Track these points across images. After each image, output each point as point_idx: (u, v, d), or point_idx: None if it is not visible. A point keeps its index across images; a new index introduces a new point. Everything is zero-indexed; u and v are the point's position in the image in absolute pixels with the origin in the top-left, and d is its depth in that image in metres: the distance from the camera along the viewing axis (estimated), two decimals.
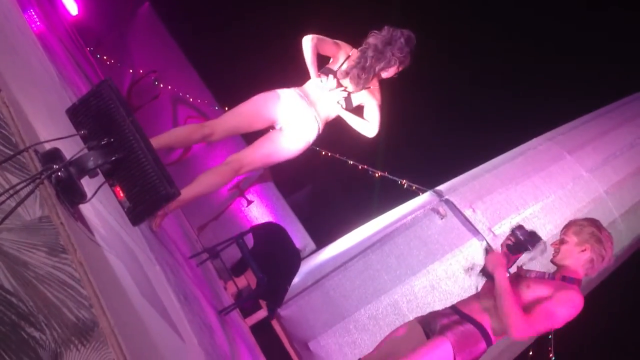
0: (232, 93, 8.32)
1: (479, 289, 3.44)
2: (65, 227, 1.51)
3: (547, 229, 6.50)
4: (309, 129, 3.79)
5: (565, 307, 3.04)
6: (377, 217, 7.04)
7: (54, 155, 1.62)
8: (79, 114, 1.73)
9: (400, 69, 3.90)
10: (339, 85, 3.85)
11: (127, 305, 1.64)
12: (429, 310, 6.37)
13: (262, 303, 6.44)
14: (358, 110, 3.94)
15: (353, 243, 6.86)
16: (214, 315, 4.17)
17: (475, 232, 6.53)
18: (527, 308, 3.06)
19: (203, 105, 7.71)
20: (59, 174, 1.56)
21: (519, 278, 3.34)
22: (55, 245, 1.50)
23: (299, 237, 7.43)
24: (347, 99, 3.88)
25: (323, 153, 7.71)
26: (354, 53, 3.87)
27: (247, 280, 6.56)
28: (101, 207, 2.02)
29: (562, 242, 3.34)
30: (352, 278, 6.51)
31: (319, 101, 3.85)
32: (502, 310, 3.03)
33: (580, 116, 7.49)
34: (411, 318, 6.44)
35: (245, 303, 6.16)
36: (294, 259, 6.60)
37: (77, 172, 1.61)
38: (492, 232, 6.50)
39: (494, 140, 7.74)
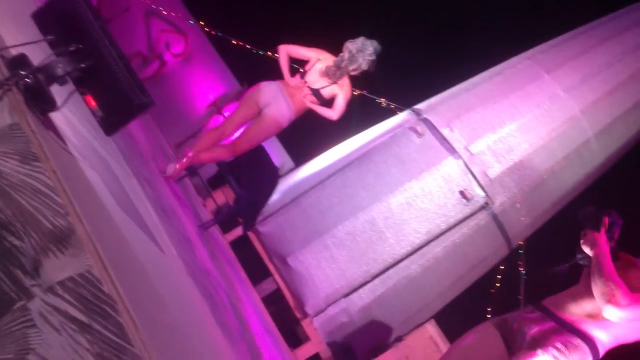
0: (205, 4, 8.06)
1: (577, 285, 2.81)
2: (37, 134, 1.49)
3: (523, 147, 6.59)
4: (283, 116, 4.91)
5: None
6: (355, 135, 7.04)
7: (21, 62, 1.57)
8: (45, 19, 1.67)
9: (367, 70, 4.96)
10: (309, 84, 4.88)
11: (103, 213, 1.65)
12: (405, 227, 6.62)
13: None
14: (330, 100, 4.96)
15: (331, 161, 6.89)
16: (194, 230, 4.23)
17: (452, 150, 6.58)
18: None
19: (177, 19, 7.47)
20: (27, 80, 1.52)
21: (628, 264, 2.78)
22: (27, 153, 1.49)
23: (278, 155, 7.44)
24: (318, 93, 4.89)
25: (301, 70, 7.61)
26: (326, 56, 4.89)
27: (225, 197, 6.61)
28: (73, 117, 1.99)
29: None
30: (330, 195, 6.58)
31: (293, 95, 4.89)
32: (596, 277, 2.57)
33: (561, 34, 7.41)
34: (388, 235, 6.71)
35: (225, 219, 6.23)
36: (272, 176, 6.65)
37: (46, 79, 1.56)
38: (469, 151, 6.56)
39: (475, 59, 7.67)
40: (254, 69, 7.94)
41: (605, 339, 2.65)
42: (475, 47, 8.36)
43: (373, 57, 4.86)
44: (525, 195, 6.53)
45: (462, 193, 6.40)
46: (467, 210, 6.36)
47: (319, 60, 4.90)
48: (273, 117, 4.90)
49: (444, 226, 6.33)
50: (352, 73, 4.90)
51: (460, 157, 6.52)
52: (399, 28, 8.27)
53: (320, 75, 4.88)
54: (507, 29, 8.80)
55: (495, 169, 6.51)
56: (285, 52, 4.87)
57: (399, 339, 5.85)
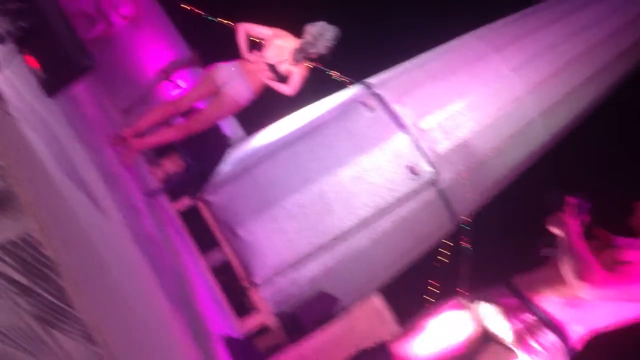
0: None
1: (549, 269, 2.73)
2: None
3: (470, 125, 6.74)
4: (241, 96, 4.96)
5: None
6: (307, 107, 7.03)
7: None
8: None
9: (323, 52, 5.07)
10: (266, 60, 4.95)
11: (44, 176, 1.62)
12: (354, 200, 6.70)
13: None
14: (286, 77, 5.04)
15: (283, 132, 6.88)
16: (141, 197, 4.17)
17: (402, 126, 6.67)
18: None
19: None
20: None
21: (605, 243, 2.71)
22: None
23: (228, 124, 7.36)
24: (275, 69, 4.98)
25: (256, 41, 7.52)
26: (283, 34, 4.99)
27: (174, 165, 6.52)
28: (14, 77, 1.93)
29: None
30: (281, 167, 6.59)
31: (251, 74, 4.95)
32: (567, 255, 2.53)
33: (512, 14, 7.54)
34: (337, 208, 6.76)
35: (174, 187, 6.16)
36: (223, 145, 6.59)
37: None
38: (419, 127, 6.67)
39: (428, 35, 7.74)
40: (205, 35, 7.82)
41: (581, 330, 2.63)
42: (429, 23, 8.43)
43: (332, 43, 5.01)
44: (472, 172, 6.70)
45: (410, 168, 6.52)
46: (415, 185, 6.49)
47: (276, 37, 5.00)
48: (232, 96, 4.97)
49: (392, 200, 6.44)
50: (311, 57, 5.05)
51: (409, 132, 6.63)
52: (354, 2, 8.26)
53: (277, 51, 4.98)
54: (460, 6, 8.91)
55: (443, 146, 6.64)
56: (244, 29, 4.97)
57: (346, 309, 5.95)
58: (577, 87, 6.87)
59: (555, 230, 2.69)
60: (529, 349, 2.62)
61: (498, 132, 6.77)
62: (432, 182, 6.53)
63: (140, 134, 4.84)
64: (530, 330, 2.60)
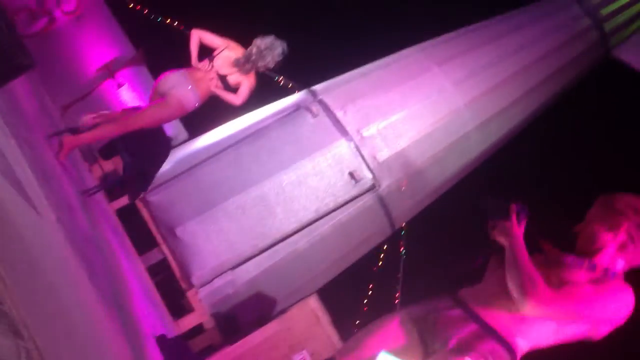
0: None
1: (492, 280, 2.67)
2: None
3: (410, 135, 6.94)
4: (188, 101, 4.95)
5: (613, 300, 2.45)
6: (251, 111, 7.08)
7: None
8: None
9: (271, 66, 5.20)
10: (216, 69, 4.96)
11: None
12: (295, 204, 6.78)
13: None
14: (234, 87, 5.08)
15: (226, 134, 6.91)
16: (75, 195, 4.13)
17: (344, 132, 6.81)
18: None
19: None
20: None
21: (554, 260, 2.63)
22: None
23: (172, 125, 7.31)
24: (224, 79, 5.01)
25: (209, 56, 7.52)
26: (235, 46, 5.00)
27: (114, 164, 6.44)
28: None
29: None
30: (223, 169, 6.62)
31: (198, 81, 4.94)
32: (512, 269, 2.47)
33: (455, 29, 7.81)
34: (278, 210, 6.83)
35: (112, 187, 6.08)
36: (164, 145, 6.54)
37: None
38: (361, 134, 6.82)
39: (374, 45, 7.92)
40: (150, 34, 7.75)
41: (525, 345, 2.58)
42: (375, 34, 8.63)
43: (280, 58, 5.06)
44: (410, 180, 6.90)
45: (351, 174, 6.66)
46: (355, 191, 6.63)
47: (227, 48, 5.02)
48: (177, 100, 4.94)
49: (332, 205, 6.56)
50: (259, 69, 5.11)
51: (352, 139, 6.77)
52: (303, 9, 8.35)
53: (227, 62, 5.02)
54: (406, 20, 9.14)
55: (383, 153, 6.82)
56: (197, 36, 4.95)
57: (283, 311, 6.03)
58: (510, 104, 7.20)
59: (500, 240, 2.62)
60: None
61: (436, 142, 7.00)
62: (372, 189, 6.69)
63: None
64: (474, 342, 2.53)
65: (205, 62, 4.99)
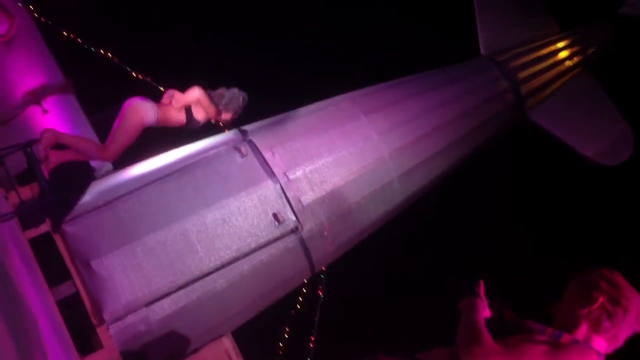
0: None
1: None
2: None
3: (335, 180, 7.11)
4: (147, 117, 5.94)
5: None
6: (179, 147, 7.08)
7: None
8: None
9: (234, 117, 6.47)
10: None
11: None
12: (217, 242, 6.72)
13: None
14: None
15: (151, 168, 6.85)
16: None
17: (271, 174, 6.89)
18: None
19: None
20: None
21: (516, 330, 2.69)
22: None
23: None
24: (192, 118, 6.21)
25: (134, 74, 7.53)
26: (201, 95, 6.18)
27: (32, 192, 6.27)
28: None
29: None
30: (146, 203, 6.52)
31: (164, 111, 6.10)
32: (462, 329, 2.59)
33: (384, 81, 8.16)
34: (199, 248, 6.77)
35: (27, 214, 5.91)
36: (87, 176, 6.46)
37: None
38: (287, 177, 6.93)
39: (307, 89, 8.14)
40: (82, 63, 7.70)
41: None
42: (307, 78, 8.87)
43: (241, 108, 6.28)
44: (332, 224, 7.03)
45: (275, 215, 6.72)
46: (278, 233, 6.68)
47: (195, 102, 6.18)
48: (138, 115, 5.86)
49: (254, 245, 6.57)
50: (223, 117, 6.32)
51: (278, 181, 6.85)
52: (239, 51, 8.52)
53: (198, 113, 6.22)
54: (338, 67, 9.47)
55: (308, 197, 6.94)
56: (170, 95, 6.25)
57: (195, 350, 5.94)
58: (432, 156, 7.52)
59: (462, 308, 2.73)
60: None
61: (360, 189, 7.19)
62: (294, 231, 6.76)
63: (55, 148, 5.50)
64: None
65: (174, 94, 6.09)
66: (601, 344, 2.56)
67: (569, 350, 2.48)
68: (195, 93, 6.17)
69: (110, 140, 5.89)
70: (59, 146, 5.61)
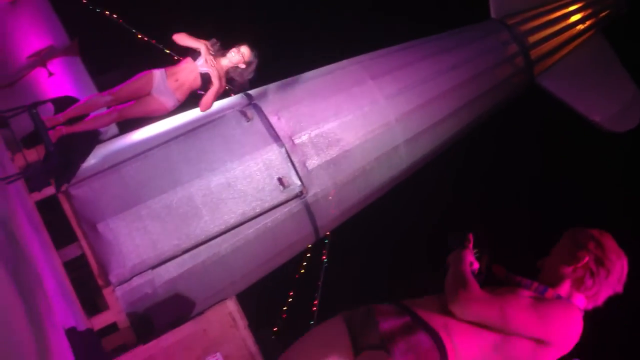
0: None
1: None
2: None
3: (341, 145, 7.07)
4: (168, 103, 5.68)
5: (555, 317, 2.52)
6: (184, 111, 7.05)
7: None
8: None
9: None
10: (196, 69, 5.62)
11: None
12: (222, 206, 6.76)
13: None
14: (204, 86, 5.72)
15: (157, 132, 6.84)
16: None
17: (277, 138, 6.85)
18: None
19: None
20: None
21: (500, 284, 2.76)
22: None
23: None
24: (204, 80, 5.66)
25: (139, 36, 7.46)
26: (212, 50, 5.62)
27: (38, 154, 6.28)
28: None
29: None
30: (152, 166, 6.53)
31: (175, 83, 5.62)
32: (450, 274, 2.65)
33: (393, 45, 8.02)
34: (204, 212, 6.80)
35: (33, 176, 5.93)
36: (93, 140, 6.45)
37: None
38: (292, 141, 6.89)
39: (314, 53, 8.03)
40: (87, 25, 7.63)
41: (456, 343, 2.58)
42: (315, 42, 8.75)
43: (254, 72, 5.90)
44: (337, 189, 7.02)
45: (280, 180, 6.71)
46: (282, 197, 6.68)
47: (206, 51, 5.60)
48: (160, 102, 5.66)
49: (258, 209, 6.59)
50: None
51: (283, 145, 6.82)
52: (246, 14, 8.40)
53: (205, 64, 5.62)
54: (347, 31, 9.33)
55: (313, 161, 6.91)
56: (180, 39, 5.57)
57: (200, 312, 6.00)
58: (439, 121, 7.43)
59: (450, 259, 2.77)
60: (402, 352, 2.53)
61: (365, 154, 7.15)
62: (299, 196, 6.76)
63: (69, 121, 5.46)
64: (403, 331, 2.56)
65: (188, 60, 5.58)
66: (581, 301, 2.65)
67: (552, 304, 2.58)
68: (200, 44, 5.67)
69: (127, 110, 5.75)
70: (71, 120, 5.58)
